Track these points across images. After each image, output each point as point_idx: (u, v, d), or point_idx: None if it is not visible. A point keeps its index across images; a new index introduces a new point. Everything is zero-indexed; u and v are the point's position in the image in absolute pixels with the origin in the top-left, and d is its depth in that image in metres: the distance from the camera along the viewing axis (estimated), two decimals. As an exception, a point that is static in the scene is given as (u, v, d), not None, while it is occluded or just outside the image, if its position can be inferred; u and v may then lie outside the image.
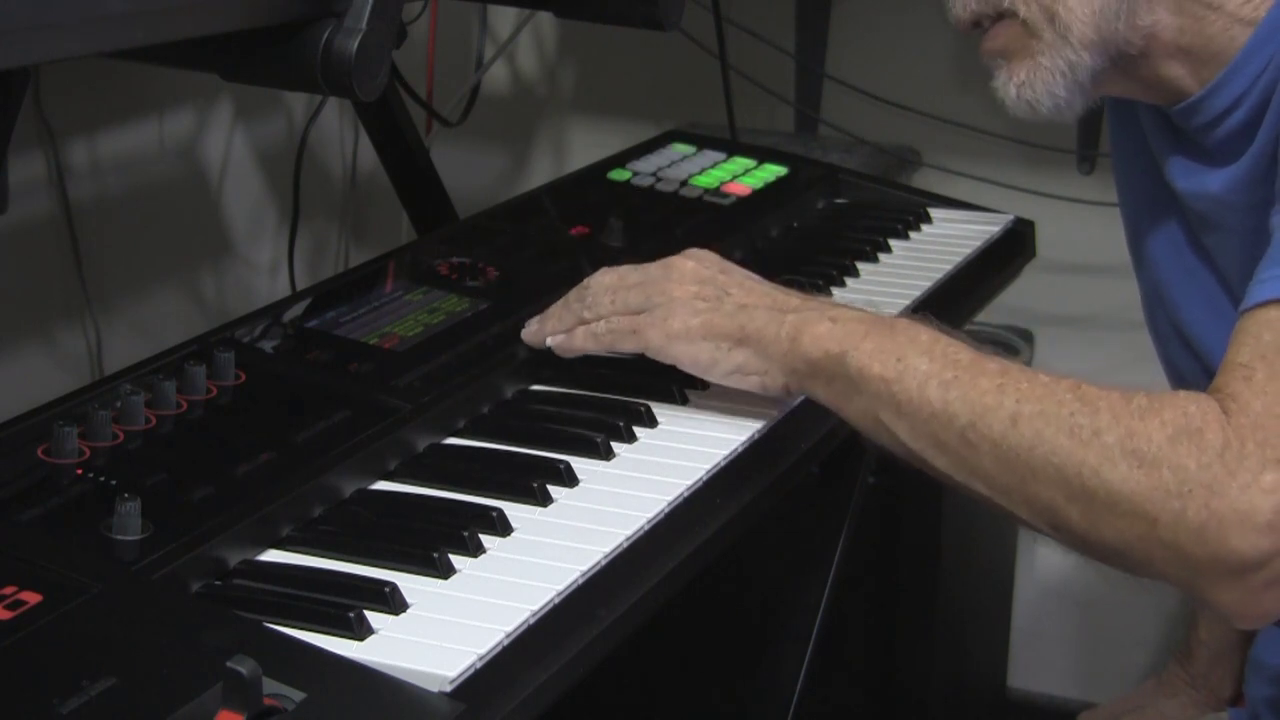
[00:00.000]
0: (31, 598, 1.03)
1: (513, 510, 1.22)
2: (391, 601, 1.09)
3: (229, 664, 0.94)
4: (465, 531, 1.17)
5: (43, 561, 1.07)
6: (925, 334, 1.26)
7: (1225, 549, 1.10)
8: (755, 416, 1.38)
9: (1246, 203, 1.34)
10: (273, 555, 1.17)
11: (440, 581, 1.13)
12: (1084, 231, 2.37)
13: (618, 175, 1.93)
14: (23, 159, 1.93)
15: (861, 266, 1.74)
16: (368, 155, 2.38)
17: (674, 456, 1.32)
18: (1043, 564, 2.53)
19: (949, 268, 1.75)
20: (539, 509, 1.24)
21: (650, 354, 1.37)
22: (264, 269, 2.38)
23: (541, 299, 1.47)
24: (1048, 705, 2.58)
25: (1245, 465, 1.10)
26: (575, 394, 1.42)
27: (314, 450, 1.25)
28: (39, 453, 1.20)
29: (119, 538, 1.11)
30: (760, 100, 2.54)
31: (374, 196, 2.55)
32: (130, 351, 1.89)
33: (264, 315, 1.49)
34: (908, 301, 1.65)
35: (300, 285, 2.14)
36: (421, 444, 1.32)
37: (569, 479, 1.27)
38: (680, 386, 1.41)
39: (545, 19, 2.61)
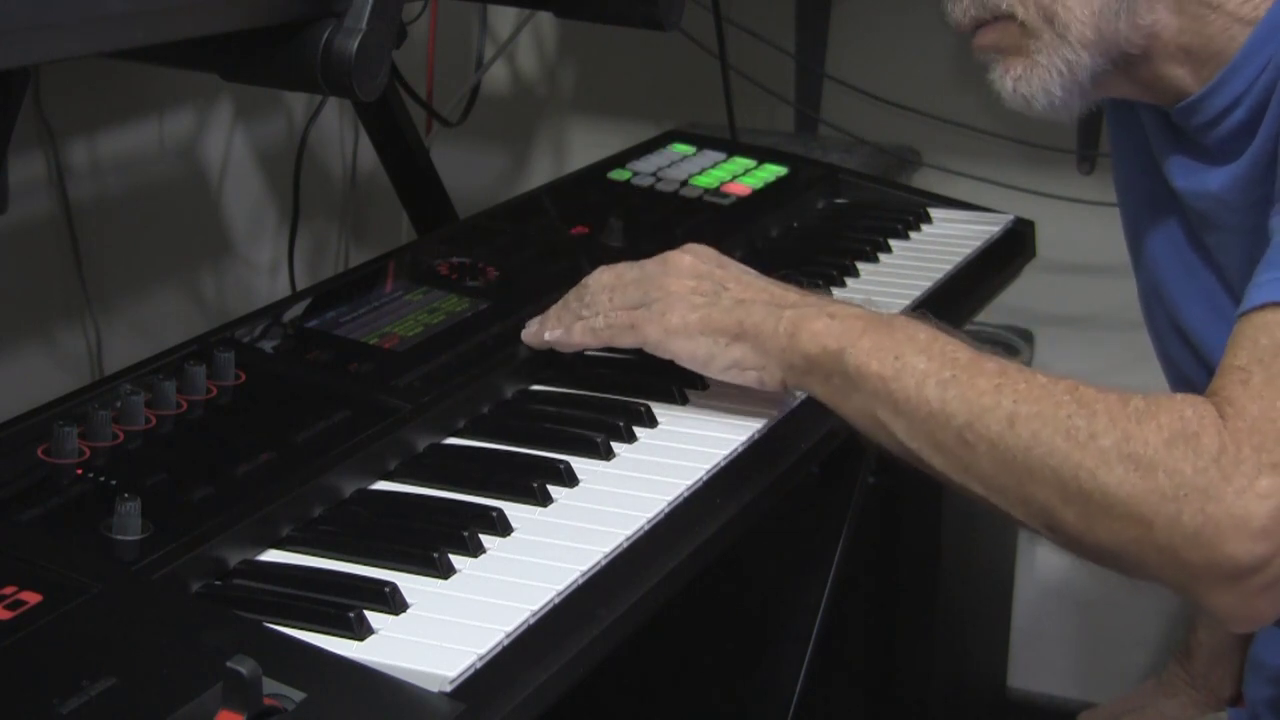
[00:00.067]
0: (31, 598, 1.03)
1: (513, 510, 1.22)
2: (391, 601, 1.09)
3: (229, 664, 0.94)
4: (465, 531, 1.17)
5: (43, 561, 1.07)
6: (924, 332, 1.26)
7: (1220, 554, 1.10)
8: (755, 416, 1.38)
9: (1246, 202, 1.34)
10: (273, 555, 1.17)
11: (440, 581, 1.13)
12: (1084, 231, 2.38)
13: (618, 175, 1.93)
14: (23, 159, 1.93)
15: (861, 266, 1.74)
16: (368, 155, 2.38)
17: (674, 456, 1.32)
18: (1043, 564, 2.53)
19: (949, 268, 1.75)
20: (539, 509, 1.24)
21: (648, 349, 1.37)
22: (264, 269, 2.38)
23: (541, 299, 1.47)
24: (1048, 705, 2.58)
25: (1241, 470, 1.10)
26: (575, 394, 1.42)
27: (314, 450, 1.25)
28: (39, 453, 1.20)
29: (119, 538, 1.11)
30: (760, 100, 2.54)
31: (374, 196, 2.55)
32: (130, 351, 1.89)
33: (264, 315, 1.49)
34: (908, 301, 1.64)
35: (300, 285, 2.14)
36: (421, 444, 1.32)
37: (569, 479, 1.27)
38: (680, 386, 1.41)
39: (545, 19, 2.61)
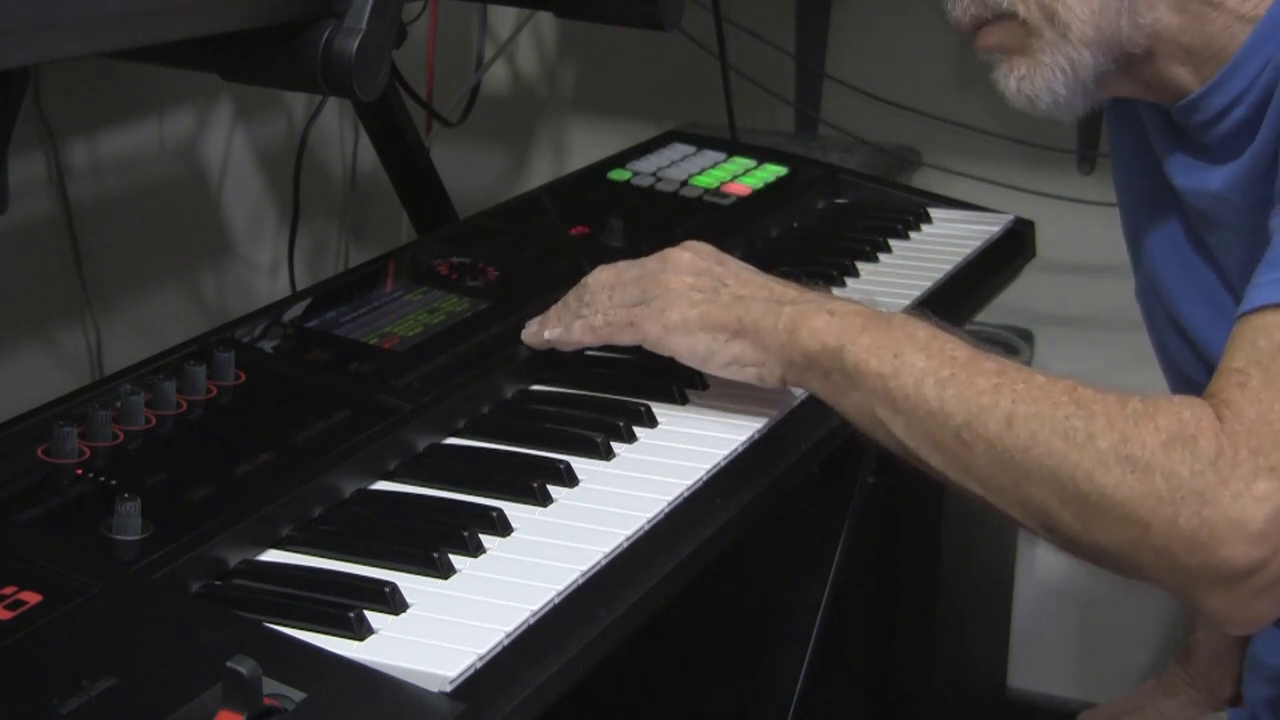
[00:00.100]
0: (31, 598, 1.03)
1: (513, 510, 1.22)
2: (391, 601, 1.09)
3: (229, 664, 0.94)
4: (465, 531, 1.17)
5: (43, 561, 1.07)
6: (923, 330, 1.26)
7: (1217, 557, 1.10)
8: (755, 416, 1.38)
9: (1247, 201, 1.34)
10: (273, 555, 1.17)
11: (440, 581, 1.13)
12: (1084, 231, 2.37)
13: (618, 175, 1.93)
14: (23, 159, 1.93)
15: (861, 266, 1.74)
16: (368, 155, 2.38)
17: (674, 456, 1.32)
18: (1043, 564, 2.53)
19: (949, 268, 1.75)
20: (539, 509, 1.24)
21: (648, 346, 1.37)
22: (264, 269, 2.38)
23: (541, 299, 1.47)
24: (1048, 705, 2.58)
25: (1238, 473, 1.10)
26: (575, 394, 1.42)
27: (314, 450, 1.25)
28: (39, 453, 1.20)
29: (119, 538, 1.11)
30: (760, 100, 2.54)
31: (374, 196, 2.55)
32: (130, 351, 1.89)
33: (264, 315, 1.49)
34: (908, 301, 1.64)
35: (300, 285, 2.14)
36: (421, 444, 1.32)
37: (569, 479, 1.27)
38: (680, 386, 1.41)
39: (545, 19, 2.61)
